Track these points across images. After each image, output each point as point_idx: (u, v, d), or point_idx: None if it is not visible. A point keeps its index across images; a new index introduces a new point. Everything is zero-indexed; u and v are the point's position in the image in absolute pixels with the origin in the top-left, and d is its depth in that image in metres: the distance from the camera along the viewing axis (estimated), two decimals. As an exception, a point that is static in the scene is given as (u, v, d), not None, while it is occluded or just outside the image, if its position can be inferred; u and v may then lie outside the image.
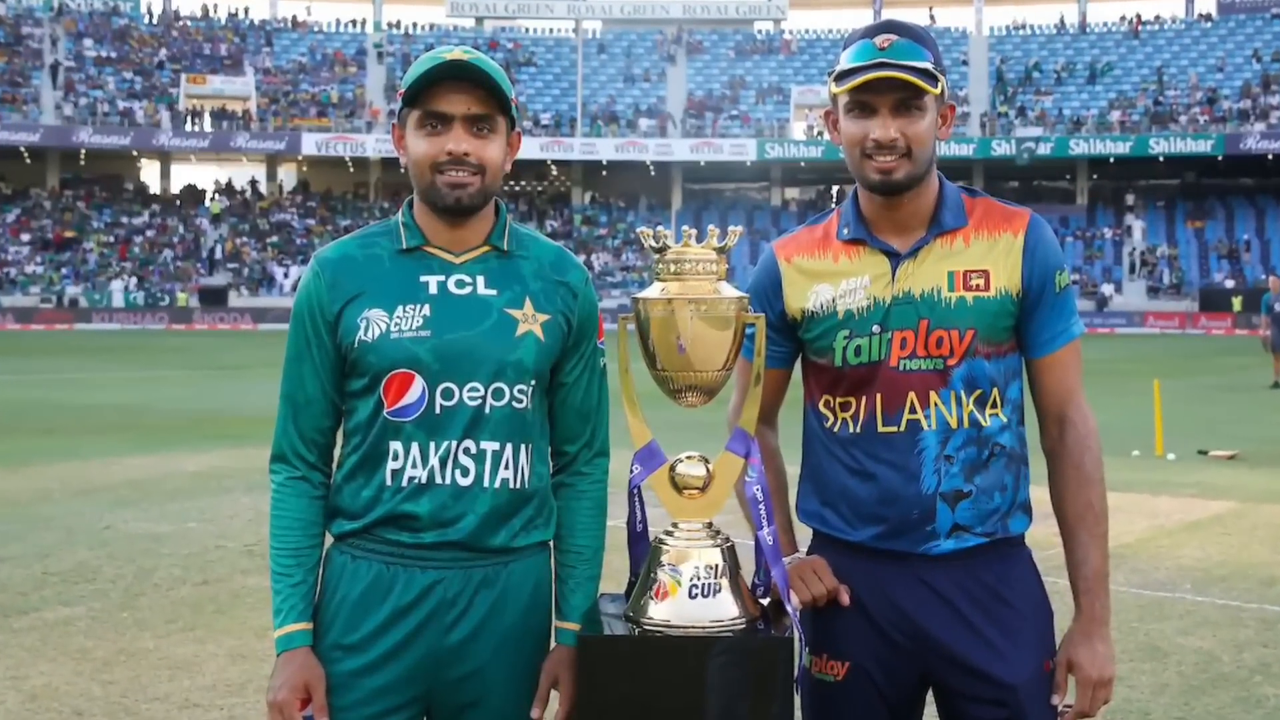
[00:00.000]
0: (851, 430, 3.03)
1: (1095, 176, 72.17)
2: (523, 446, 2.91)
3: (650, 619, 2.70)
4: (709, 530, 2.78)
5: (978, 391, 2.98)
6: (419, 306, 2.86)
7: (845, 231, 3.08)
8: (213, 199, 71.54)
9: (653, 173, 72.92)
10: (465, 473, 2.85)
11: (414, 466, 2.85)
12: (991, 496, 2.99)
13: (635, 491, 2.88)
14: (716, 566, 2.72)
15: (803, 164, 71.57)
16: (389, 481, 2.87)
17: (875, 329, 2.99)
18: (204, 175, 75.40)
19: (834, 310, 3.03)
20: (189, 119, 69.42)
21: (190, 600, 8.25)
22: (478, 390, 2.85)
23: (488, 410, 2.85)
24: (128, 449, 15.86)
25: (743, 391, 3.13)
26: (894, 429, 2.98)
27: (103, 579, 8.83)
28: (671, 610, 2.69)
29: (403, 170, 2.98)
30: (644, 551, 2.84)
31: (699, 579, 2.71)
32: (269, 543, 2.96)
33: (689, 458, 2.82)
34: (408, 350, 2.84)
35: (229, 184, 73.92)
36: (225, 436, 17.02)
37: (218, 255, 66.50)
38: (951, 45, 74.15)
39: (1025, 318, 3.01)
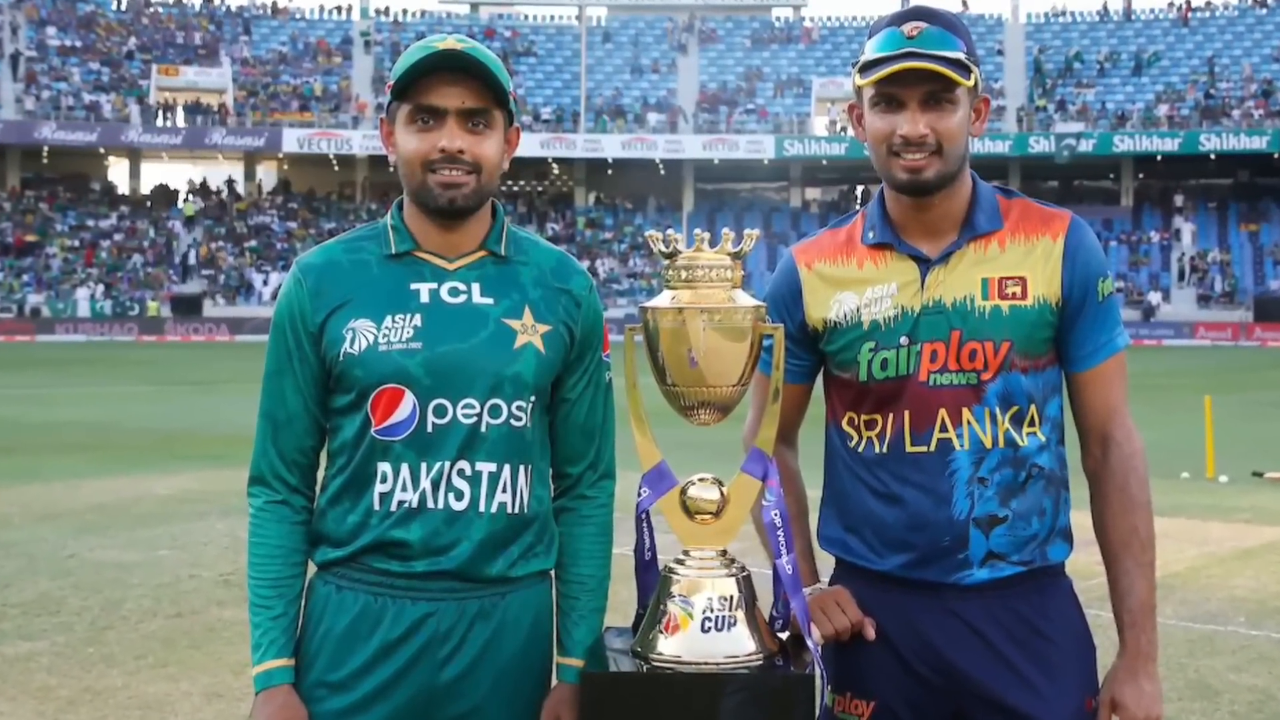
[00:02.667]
0: (877, 450, 3.03)
1: (1141, 175, 72.15)
2: (521, 468, 2.91)
3: (660, 654, 2.70)
4: (723, 558, 2.78)
5: (1014, 408, 2.98)
6: (409, 316, 2.87)
7: (871, 235, 3.08)
8: (186, 200, 71.64)
9: (662, 171, 73.02)
10: (459, 496, 2.85)
11: (404, 490, 2.85)
12: (1029, 522, 2.99)
13: (643, 516, 2.89)
14: (731, 598, 2.72)
15: (824, 162, 71.63)
16: (377, 506, 2.87)
17: (903, 341, 2.99)
18: (177, 174, 75.59)
19: (858, 320, 3.03)
20: (160, 113, 69.63)
21: (162, 634, 8.26)
22: (473, 407, 2.85)
23: (484, 429, 2.86)
24: (94, 470, 15.88)
25: (759, 408, 3.13)
26: (923, 449, 2.98)
27: (67, 611, 8.83)
28: (682, 645, 2.69)
29: (392, 169, 2.99)
30: (653, 581, 2.84)
31: (712, 611, 2.71)
32: (247, 572, 2.96)
33: (701, 480, 2.82)
34: (397, 364, 2.84)
35: (204, 184, 74.08)
36: (199, 457, 17.03)
37: (191, 261, 66.62)
38: (986, 33, 74.25)
39: (1065, 328, 3.02)
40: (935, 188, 2.96)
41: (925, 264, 3.01)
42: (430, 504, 2.85)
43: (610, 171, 74.30)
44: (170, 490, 14.33)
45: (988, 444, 2.96)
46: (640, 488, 2.86)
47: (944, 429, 2.97)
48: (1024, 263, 3.00)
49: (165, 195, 72.96)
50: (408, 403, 2.85)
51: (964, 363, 2.97)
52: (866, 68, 2.95)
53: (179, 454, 17.53)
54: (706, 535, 2.80)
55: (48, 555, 10.71)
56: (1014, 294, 2.98)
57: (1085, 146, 67.76)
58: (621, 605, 3.05)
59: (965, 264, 3.00)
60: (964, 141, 2.97)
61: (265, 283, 63.82)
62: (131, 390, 29.72)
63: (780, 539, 2.80)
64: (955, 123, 2.93)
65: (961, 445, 2.96)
